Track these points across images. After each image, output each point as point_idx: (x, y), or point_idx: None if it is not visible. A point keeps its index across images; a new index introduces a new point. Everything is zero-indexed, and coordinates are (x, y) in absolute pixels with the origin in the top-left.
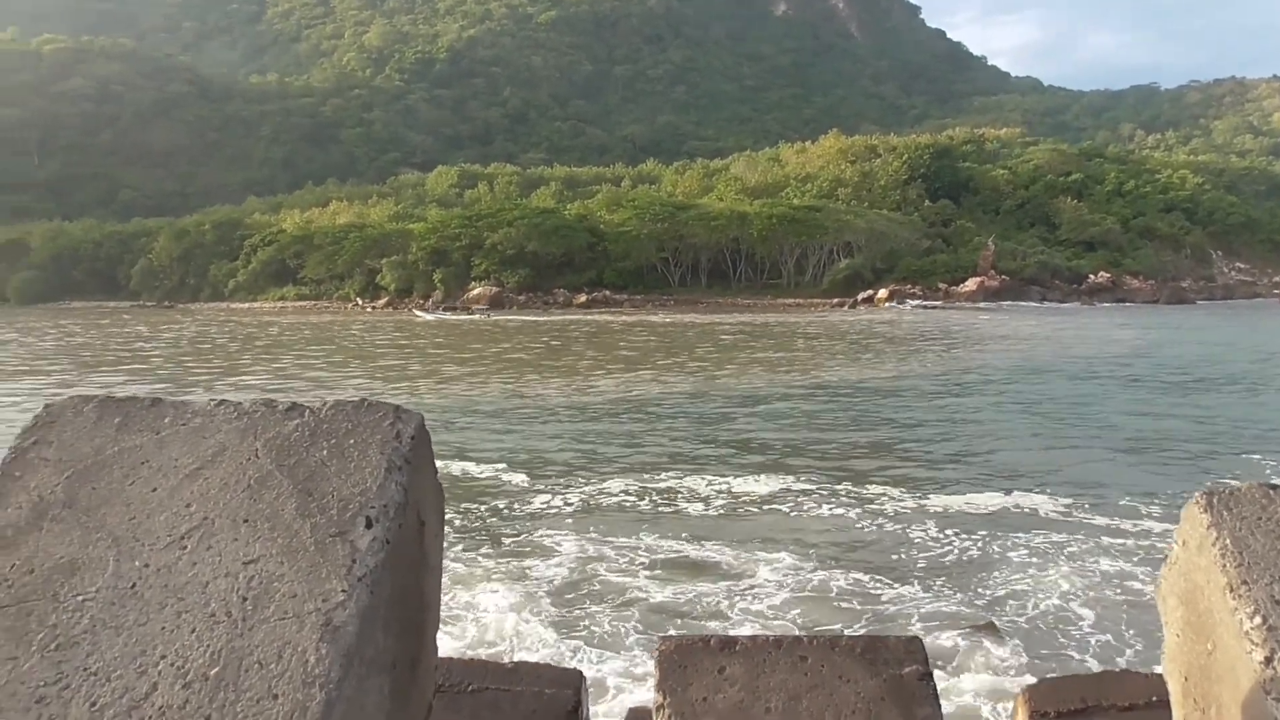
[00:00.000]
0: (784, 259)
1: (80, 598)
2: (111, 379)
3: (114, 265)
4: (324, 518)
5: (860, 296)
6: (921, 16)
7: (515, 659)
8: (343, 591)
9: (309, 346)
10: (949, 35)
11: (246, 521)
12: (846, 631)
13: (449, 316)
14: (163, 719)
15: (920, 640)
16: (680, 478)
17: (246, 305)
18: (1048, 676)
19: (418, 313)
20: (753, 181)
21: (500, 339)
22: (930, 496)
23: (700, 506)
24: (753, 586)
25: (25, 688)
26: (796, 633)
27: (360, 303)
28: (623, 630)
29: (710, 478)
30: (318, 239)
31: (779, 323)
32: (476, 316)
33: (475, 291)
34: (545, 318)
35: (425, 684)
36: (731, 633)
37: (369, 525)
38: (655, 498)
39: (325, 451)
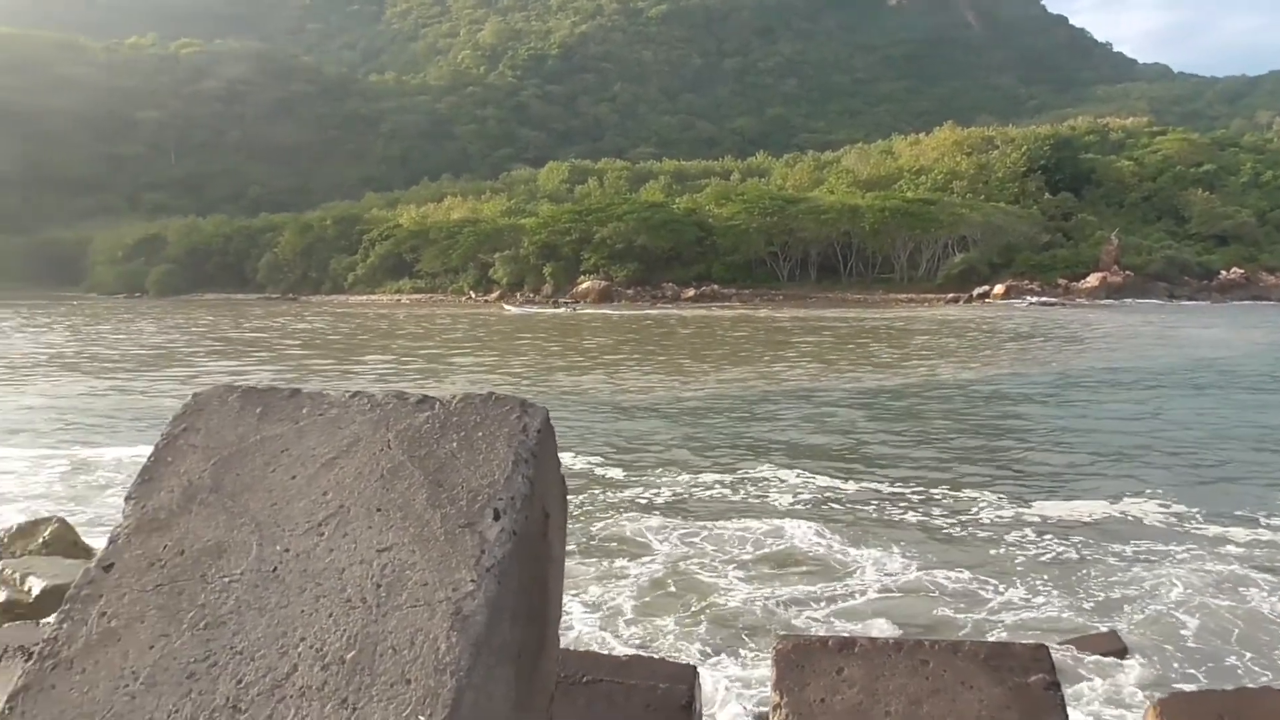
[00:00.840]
0: (896, 253)
1: (226, 579)
2: (240, 367)
3: (242, 259)
4: (454, 508)
5: (975, 292)
6: (1042, 3)
7: (628, 653)
8: (472, 581)
9: (412, 338)
10: (1071, 22)
11: (380, 510)
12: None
13: (535, 310)
14: (303, 699)
15: (1046, 648)
16: (777, 474)
17: (364, 298)
18: (1180, 690)
19: (506, 306)
20: (865, 174)
21: (595, 333)
22: (1035, 501)
23: (797, 503)
24: (850, 587)
25: (177, 663)
26: (893, 635)
27: (474, 296)
28: (723, 627)
29: (806, 475)
30: (433, 234)
31: (890, 318)
32: (562, 310)
33: (584, 285)
34: (645, 311)
35: (548, 674)
36: (833, 633)
37: (497, 517)
38: (750, 491)
39: (455, 443)
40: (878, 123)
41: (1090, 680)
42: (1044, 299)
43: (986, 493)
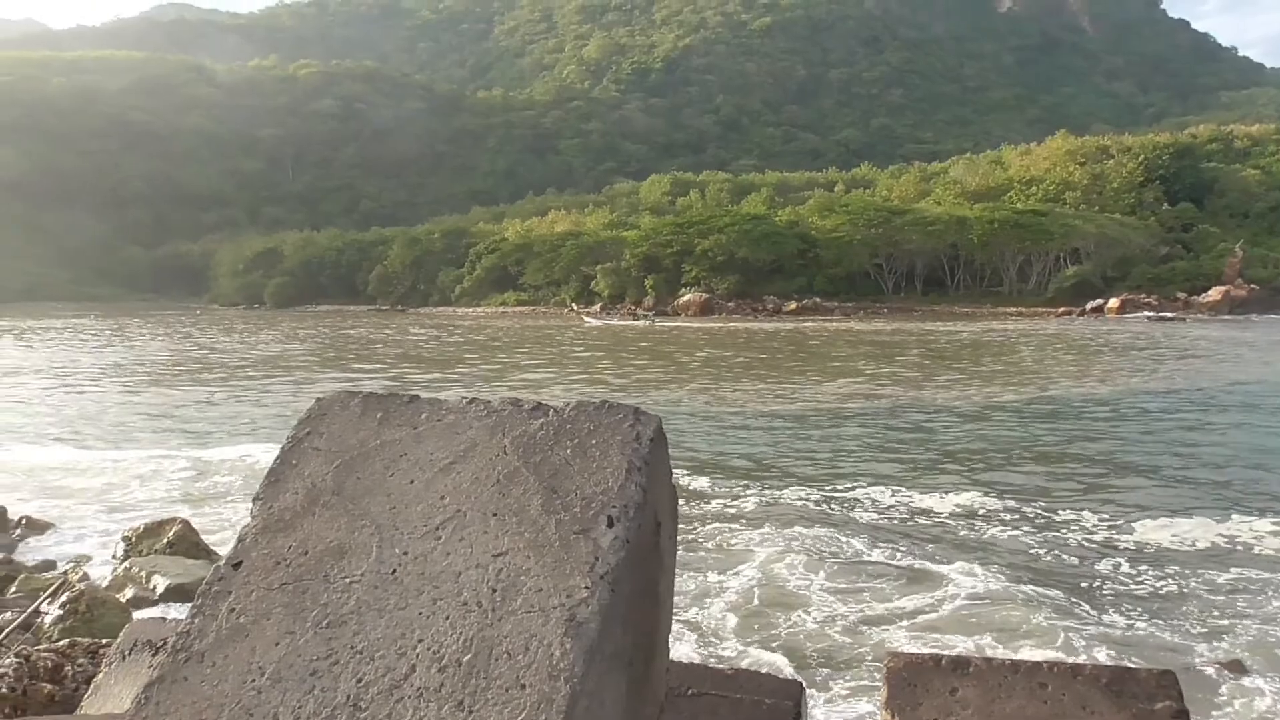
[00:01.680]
0: (1006, 266)
1: (348, 580)
2: (350, 374)
3: (354, 271)
4: (568, 515)
5: (1089, 306)
6: (1163, 6)
7: (734, 666)
8: (585, 588)
9: (507, 349)
10: (1194, 26)
11: (495, 515)
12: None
13: (614, 322)
14: (420, 699)
15: (1174, 675)
16: (869, 488)
17: (469, 310)
18: None
19: (586, 319)
20: (973, 185)
21: (686, 345)
22: (1141, 520)
23: (889, 518)
24: (942, 604)
25: (301, 660)
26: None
27: (576, 308)
28: (816, 642)
29: (899, 489)
30: (537, 246)
31: (998, 332)
32: (641, 323)
33: (685, 298)
34: (732, 324)
35: (658, 683)
36: (945, 651)
37: (610, 524)
38: (840, 505)
39: (569, 450)
40: (987, 132)
41: (1215, 710)
42: (1162, 313)
43: (1086, 512)
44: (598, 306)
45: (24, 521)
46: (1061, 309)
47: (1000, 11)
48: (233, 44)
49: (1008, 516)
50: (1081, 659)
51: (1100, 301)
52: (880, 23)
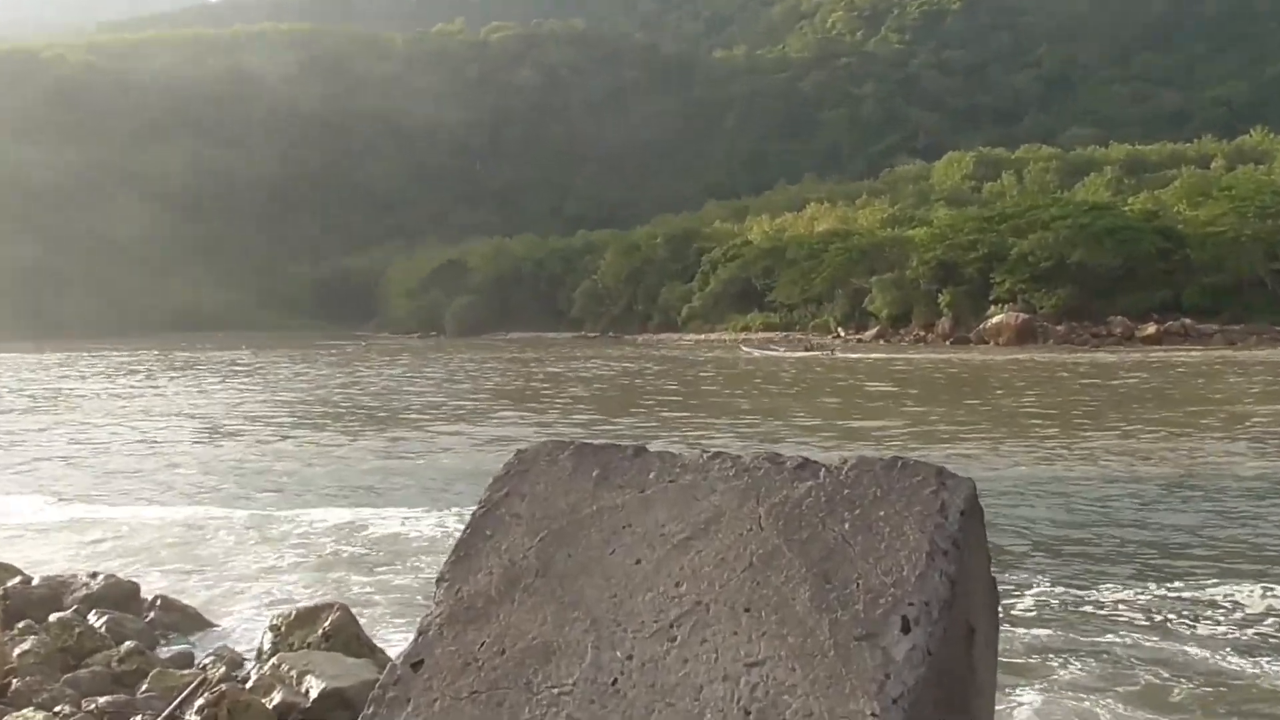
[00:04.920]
0: None
1: (555, 690)
2: (545, 420)
3: (555, 288)
4: (847, 613)
5: None
6: None
7: None
8: (873, 715)
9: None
10: None
11: (748, 611)
12: None
13: (778, 354)
14: None
15: None
16: (1226, 587)
17: (702, 336)
18: None
19: (744, 349)
20: None
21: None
22: None
23: (1253, 630)
24: None
25: None
26: None
27: (843, 334)
28: None
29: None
30: (791, 252)
31: None
32: (818, 353)
33: (995, 319)
34: (1067, 355)
35: None
36: None
37: (906, 628)
38: (1192, 610)
39: (847, 525)
40: None
41: None
42: None
43: None
44: (871, 333)
45: (158, 603)
46: None
47: None
48: (412, 7)
49: None
50: None
51: None
52: None
